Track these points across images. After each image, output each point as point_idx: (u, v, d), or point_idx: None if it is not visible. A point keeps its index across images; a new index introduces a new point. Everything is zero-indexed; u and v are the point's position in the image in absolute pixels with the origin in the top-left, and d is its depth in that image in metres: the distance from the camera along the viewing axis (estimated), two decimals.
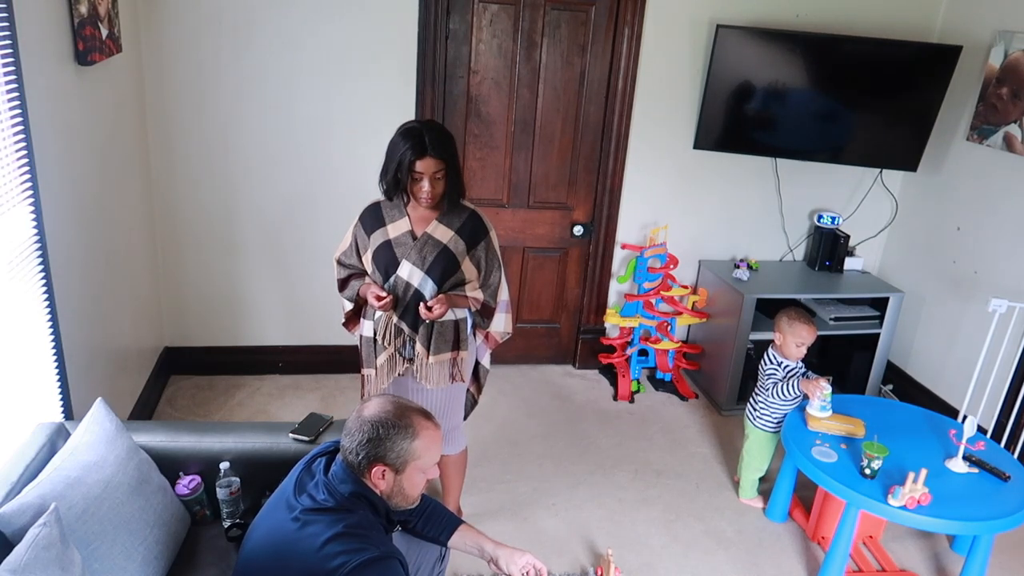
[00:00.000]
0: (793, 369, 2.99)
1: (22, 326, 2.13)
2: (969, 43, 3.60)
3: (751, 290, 3.70)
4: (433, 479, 1.83)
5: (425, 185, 2.31)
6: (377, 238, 2.44)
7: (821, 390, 2.81)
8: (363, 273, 2.51)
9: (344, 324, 2.64)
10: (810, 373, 3.03)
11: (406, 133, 2.30)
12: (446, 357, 2.47)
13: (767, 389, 3.00)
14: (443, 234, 2.41)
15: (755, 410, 3.07)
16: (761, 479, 3.17)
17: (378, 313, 2.46)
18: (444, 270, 2.40)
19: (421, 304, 2.36)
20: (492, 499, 3.09)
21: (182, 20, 3.26)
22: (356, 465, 1.71)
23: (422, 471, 1.75)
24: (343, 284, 2.55)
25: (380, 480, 1.71)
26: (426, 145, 2.27)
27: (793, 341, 2.92)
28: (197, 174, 3.50)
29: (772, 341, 3.04)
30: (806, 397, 2.96)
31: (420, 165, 2.28)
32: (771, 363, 3.01)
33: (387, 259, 2.41)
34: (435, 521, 2.05)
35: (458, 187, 2.41)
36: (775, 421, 3.02)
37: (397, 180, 2.33)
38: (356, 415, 1.74)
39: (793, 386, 2.92)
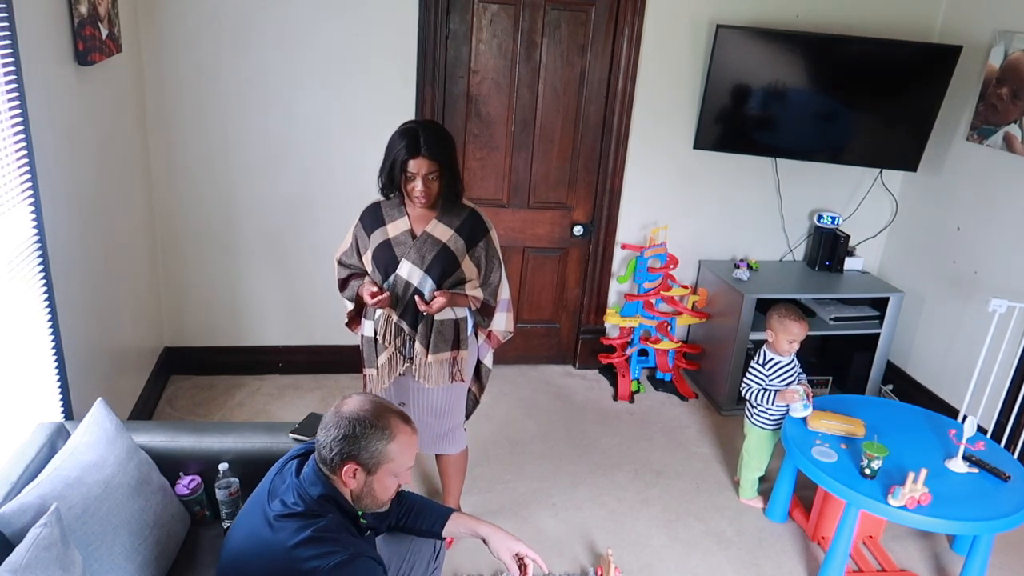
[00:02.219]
0: (786, 366, 2.99)
1: (22, 326, 2.13)
2: (969, 43, 3.60)
3: (751, 290, 3.70)
4: (406, 484, 1.79)
5: (419, 185, 2.31)
6: (377, 237, 2.44)
7: (796, 398, 2.89)
8: (363, 273, 2.51)
9: (347, 324, 2.65)
10: (802, 376, 3.04)
11: (403, 132, 2.32)
12: (445, 356, 2.47)
13: (751, 391, 3.01)
14: (442, 232, 2.41)
15: (753, 407, 3.07)
16: (761, 479, 3.17)
17: (378, 313, 2.46)
18: (444, 269, 2.40)
19: (418, 297, 2.37)
20: (492, 499, 3.09)
21: (182, 20, 3.26)
22: (329, 461, 1.68)
23: (394, 474, 1.72)
24: (343, 284, 2.56)
25: (351, 479, 1.69)
26: (420, 145, 2.28)
27: (785, 338, 2.94)
28: (197, 174, 3.50)
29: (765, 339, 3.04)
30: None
31: (413, 165, 2.29)
32: (755, 371, 3.01)
33: (387, 258, 2.42)
34: (427, 514, 2.04)
35: (455, 187, 2.41)
36: (773, 419, 3.02)
37: (392, 178, 2.35)
38: (334, 410, 1.71)
39: (770, 399, 2.96)
